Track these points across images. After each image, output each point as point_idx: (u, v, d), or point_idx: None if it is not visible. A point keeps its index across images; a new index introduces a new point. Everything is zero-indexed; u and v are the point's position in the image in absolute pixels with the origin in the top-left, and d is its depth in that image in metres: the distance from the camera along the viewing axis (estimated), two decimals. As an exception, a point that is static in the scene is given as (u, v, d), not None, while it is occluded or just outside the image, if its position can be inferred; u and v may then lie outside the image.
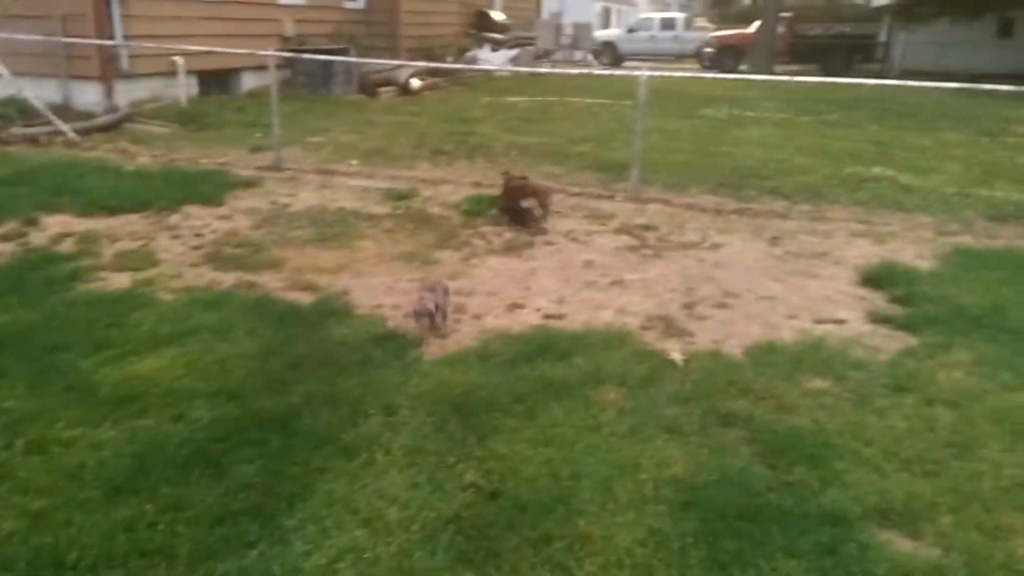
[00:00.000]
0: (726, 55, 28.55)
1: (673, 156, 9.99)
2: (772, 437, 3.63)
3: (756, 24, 27.60)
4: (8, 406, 3.68)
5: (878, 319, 5.10)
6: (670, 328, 4.89)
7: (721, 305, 5.31)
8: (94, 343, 4.33)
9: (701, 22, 41.32)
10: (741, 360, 4.45)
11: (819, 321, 5.05)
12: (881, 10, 29.67)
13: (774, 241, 6.80)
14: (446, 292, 4.87)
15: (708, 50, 29.79)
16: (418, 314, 4.60)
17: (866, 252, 6.53)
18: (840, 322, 5.05)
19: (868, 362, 4.43)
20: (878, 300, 5.47)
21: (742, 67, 27.16)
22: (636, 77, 8.20)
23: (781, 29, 27.06)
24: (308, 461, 3.38)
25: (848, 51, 27.61)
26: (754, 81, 18.30)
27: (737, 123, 13.35)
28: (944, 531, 3.04)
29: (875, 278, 5.83)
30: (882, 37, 28.79)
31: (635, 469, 3.37)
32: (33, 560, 2.74)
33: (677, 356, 4.47)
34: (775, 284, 5.74)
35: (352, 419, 3.71)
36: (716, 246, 6.61)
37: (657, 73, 8.69)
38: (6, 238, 6.10)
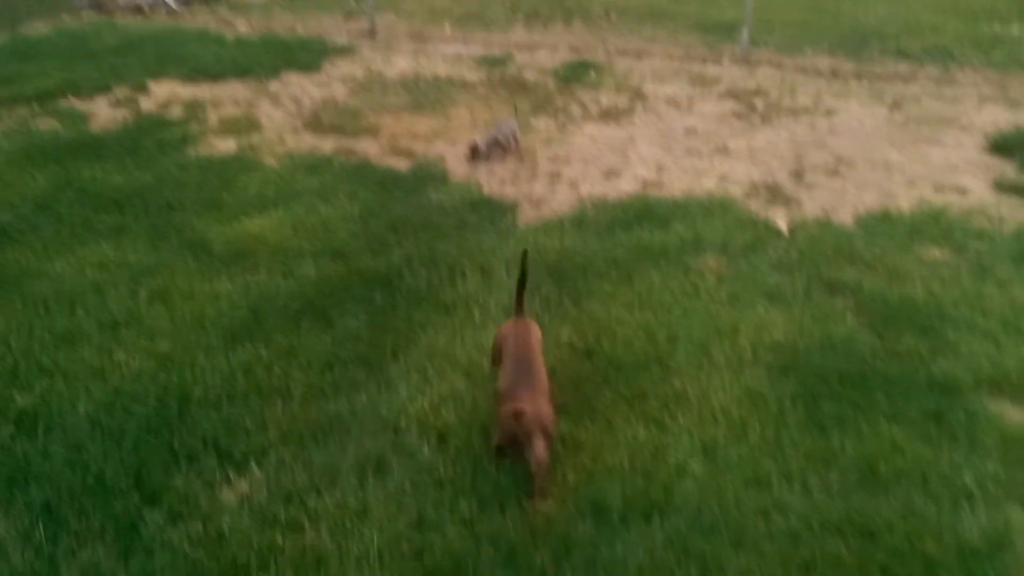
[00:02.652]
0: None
1: (788, 14, 9.24)
2: (881, 306, 3.49)
3: None
4: (131, 259, 3.93)
5: (1005, 188, 4.73)
6: (776, 196, 4.69)
7: (833, 173, 5.02)
8: (206, 203, 4.52)
9: None
10: (852, 229, 4.24)
11: (940, 190, 4.72)
12: None
13: (895, 106, 6.31)
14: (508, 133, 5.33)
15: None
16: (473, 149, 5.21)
17: (996, 118, 5.98)
18: (963, 191, 4.71)
19: (991, 232, 4.15)
20: (1007, 169, 5.05)
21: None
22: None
23: None
24: (410, 317, 3.49)
25: None
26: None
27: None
28: (1064, 404, 2.90)
29: (1005, 145, 5.36)
30: None
31: (733, 333, 3.33)
32: (162, 395, 2.99)
33: (782, 224, 4.29)
34: (894, 151, 5.36)
35: (451, 279, 3.79)
36: (831, 112, 6.19)
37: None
38: (118, 103, 6.33)
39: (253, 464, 2.67)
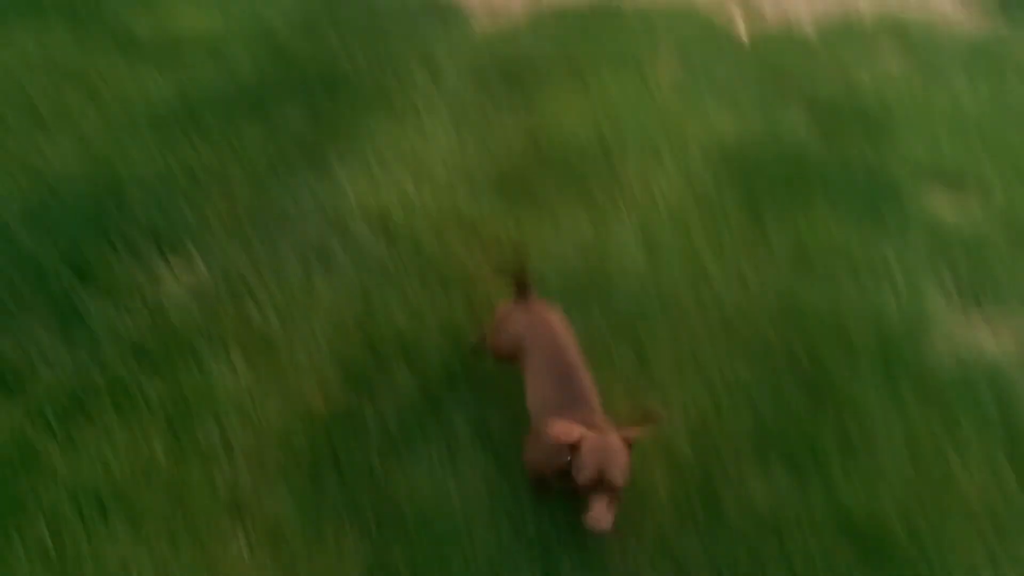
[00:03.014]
0: None
1: None
2: (832, 110, 3.48)
3: None
4: (55, 54, 3.66)
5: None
6: (738, 2, 4.51)
7: (798, -22, 4.82)
8: (132, -2, 4.19)
9: None
10: (811, 37, 4.13)
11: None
12: None
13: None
14: None
15: None
16: None
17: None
18: (927, 1, 4.59)
19: (950, 43, 4.08)
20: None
21: None
22: None
23: None
24: (355, 116, 3.37)
25: None
26: None
27: None
28: (992, 199, 3.01)
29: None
30: None
31: (682, 133, 3.30)
32: (96, 190, 2.90)
33: (742, 30, 4.17)
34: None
35: (398, 82, 3.64)
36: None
37: None
38: None
39: (196, 255, 2.66)
